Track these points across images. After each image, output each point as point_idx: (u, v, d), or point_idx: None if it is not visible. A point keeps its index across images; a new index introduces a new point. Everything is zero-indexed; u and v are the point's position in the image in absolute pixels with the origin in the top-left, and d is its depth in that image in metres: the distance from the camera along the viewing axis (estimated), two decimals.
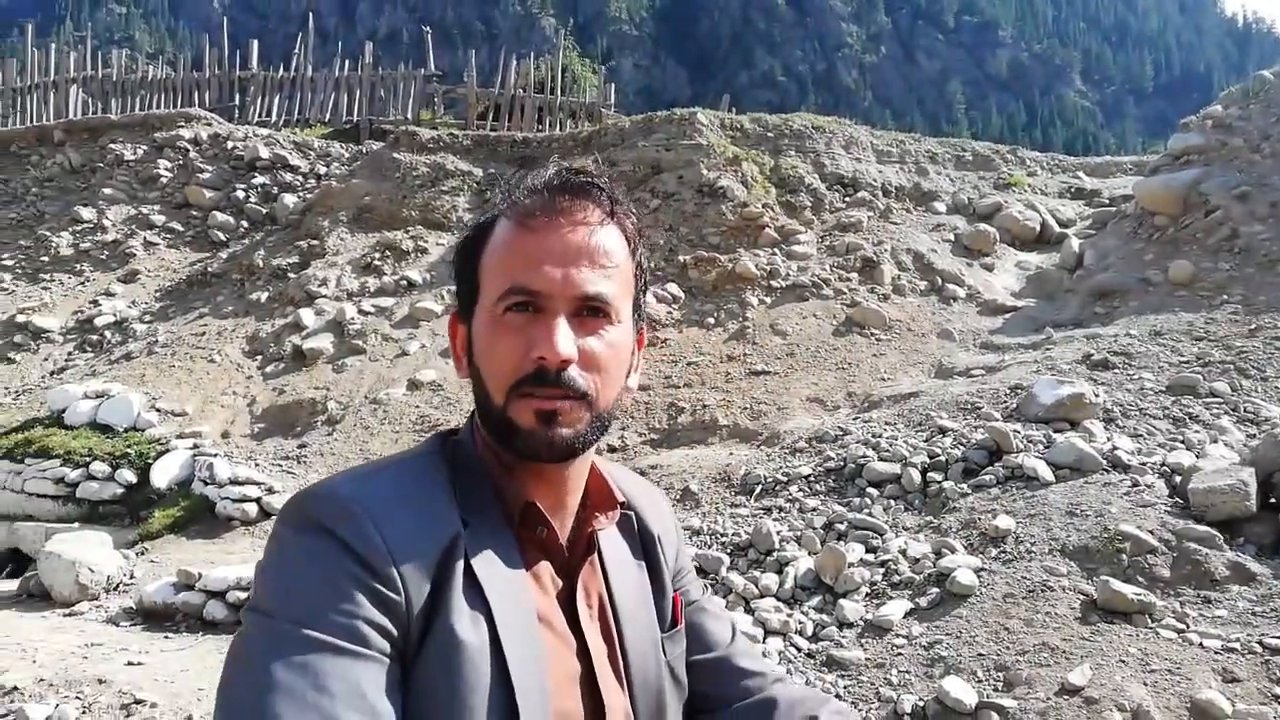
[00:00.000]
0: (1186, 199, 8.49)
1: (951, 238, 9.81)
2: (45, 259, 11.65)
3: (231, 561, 5.81)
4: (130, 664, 4.10)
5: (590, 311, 0.97)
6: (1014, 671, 3.58)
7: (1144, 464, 5.00)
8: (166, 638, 4.67)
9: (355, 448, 7.53)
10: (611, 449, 6.99)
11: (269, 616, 0.85)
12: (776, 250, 9.38)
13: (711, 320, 8.62)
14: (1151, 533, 4.29)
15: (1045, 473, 4.95)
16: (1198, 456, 5.02)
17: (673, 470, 6.31)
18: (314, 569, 0.87)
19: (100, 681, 3.84)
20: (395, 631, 0.87)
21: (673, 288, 9.02)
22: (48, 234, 11.98)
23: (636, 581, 1.12)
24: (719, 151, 10.36)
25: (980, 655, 3.71)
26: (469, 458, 1.01)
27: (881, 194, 10.36)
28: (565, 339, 0.94)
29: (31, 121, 14.96)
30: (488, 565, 0.94)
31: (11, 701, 3.71)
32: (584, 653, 1.00)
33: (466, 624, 0.90)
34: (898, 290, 8.84)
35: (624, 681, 1.04)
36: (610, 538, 1.10)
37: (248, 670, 0.83)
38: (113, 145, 13.19)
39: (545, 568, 1.01)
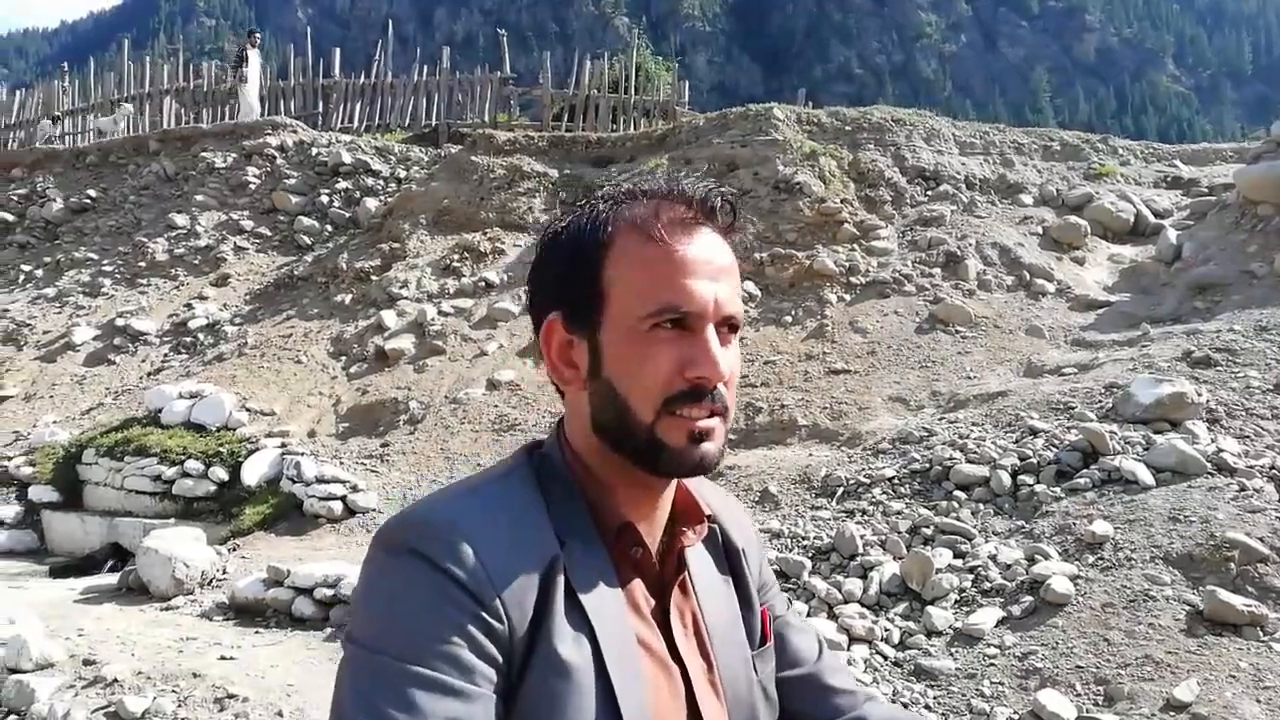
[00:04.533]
0: None
1: (1039, 231, 9.48)
2: (142, 264, 12.15)
3: (319, 558, 5.95)
4: (223, 658, 4.22)
5: (728, 328, 0.97)
6: (1115, 685, 3.42)
7: (1251, 467, 4.74)
8: (257, 633, 4.80)
9: (436, 446, 7.64)
10: None
11: (370, 650, 0.84)
12: (856, 246, 9.19)
13: (789, 318, 8.50)
14: (1262, 540, 4.05)
15: (1145, 476, 4.72)
16: None
17: (751, 471, 6.23)
18: (414, 599, 0.86)
19: (195, 675, 3.95)
20: (500, 659, 0.86)
21: (749, 286, 8.91)
22: (145, 240, 12.49)
23: (725, 598, 1.09)
24: (795, 147, 10.21)
25: (1078, 667, 3.55)
26: (559, 474, 0.99)
27: (965, 187, 10.07)
28: (724, 358, 0.94)
29: (128, 132, 15.59)
30: (587, 586, 0.92)
31: (112, 693, 3.85)
32: (682, 673, 0.98)
33: (570, 646, 0.88)
34: (983, 286, 8.57)
35: (721, 702, 1.02)
36: (696, 553, 1.08)
37: (353, 710, 0.83)
38: (204, 154, 13.67)
39: (638, 586, 0.99)
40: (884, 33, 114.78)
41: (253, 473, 7.45)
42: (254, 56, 15.01)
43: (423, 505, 0.95)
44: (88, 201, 13.65)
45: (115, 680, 3.92)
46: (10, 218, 13.70)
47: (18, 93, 18.78)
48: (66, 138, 15.83)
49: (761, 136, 10.41)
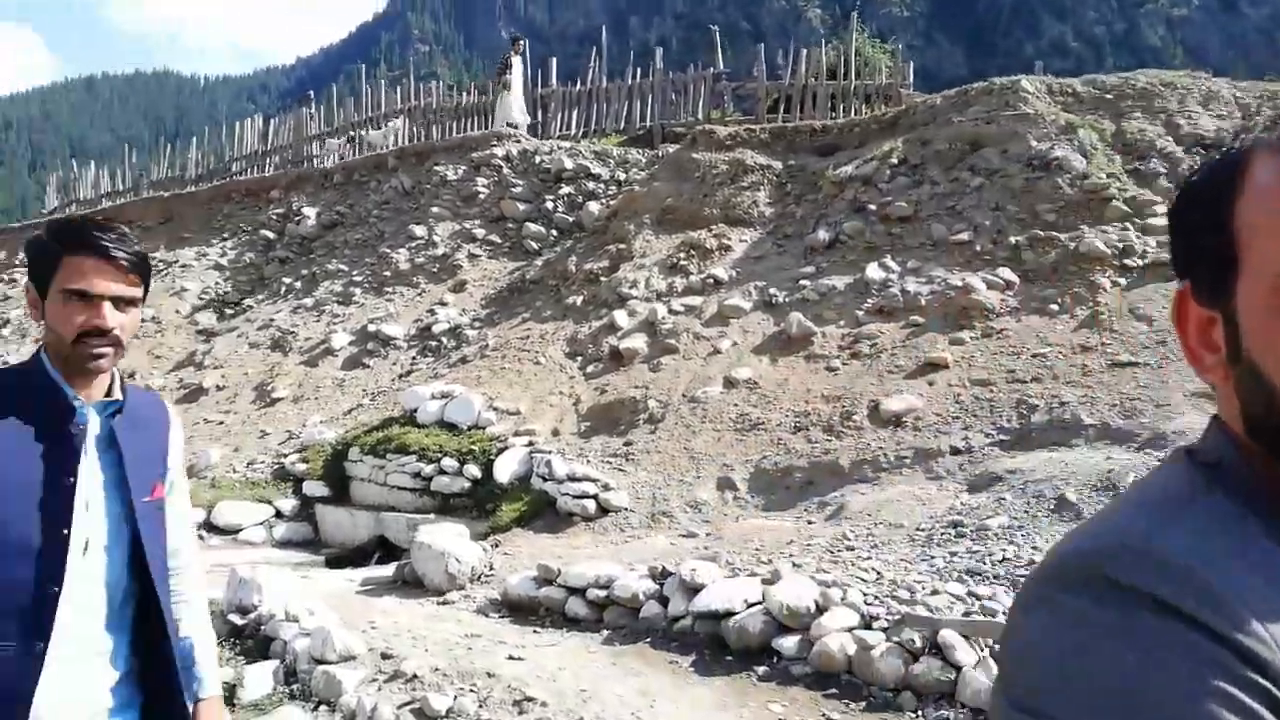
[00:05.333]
0: None
1: None
2: (387, 274, 12.90)
3: (578, 557, 5.93)
4: (511, 658, 4.21)
5: None
6: None
7: None
8: (535, 632, 4.79)
9: (679, 446, 7.51)
10: (955, 451, 6.42)
11: None
12: (1128, 225, 8.27)
13: (1055, 306, 7.75)
14: None
15: None
16: None
17: (1037, 476, 5.65)
18: (1157, 664, 0.58)
19: (489, 675, 3.94)
20: None
21: (1005, 272, 8.23)
22: (388, 251, 13.27)
23: None
24: (1049, 120, 9.36)
25: None
26: (1259, 490, 0.69)
27: None
28: None
29: (399, 144, 16.57)
30: None
31: (414, 689, 3.90)
32: None
33: None
34: None
35: None
36: None
37: None
38: (437, 167, 14.38)
39: None
40: (1102, 1, 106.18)
41: (504, 470, 7.61)
42: (517, 63, 15.36)
43: (1115, 529, 0.67)
44: (337, 217, 14.70)
45: (415, 676, 3.98)
46: (272, 235, 15.00)
47: (271, 121, 20.62)
48: (332, 155, 17.00)
49: (1008, 111, 9.62)
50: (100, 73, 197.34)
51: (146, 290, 1.71)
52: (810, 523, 6.03)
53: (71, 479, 1.61)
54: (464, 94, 17.96)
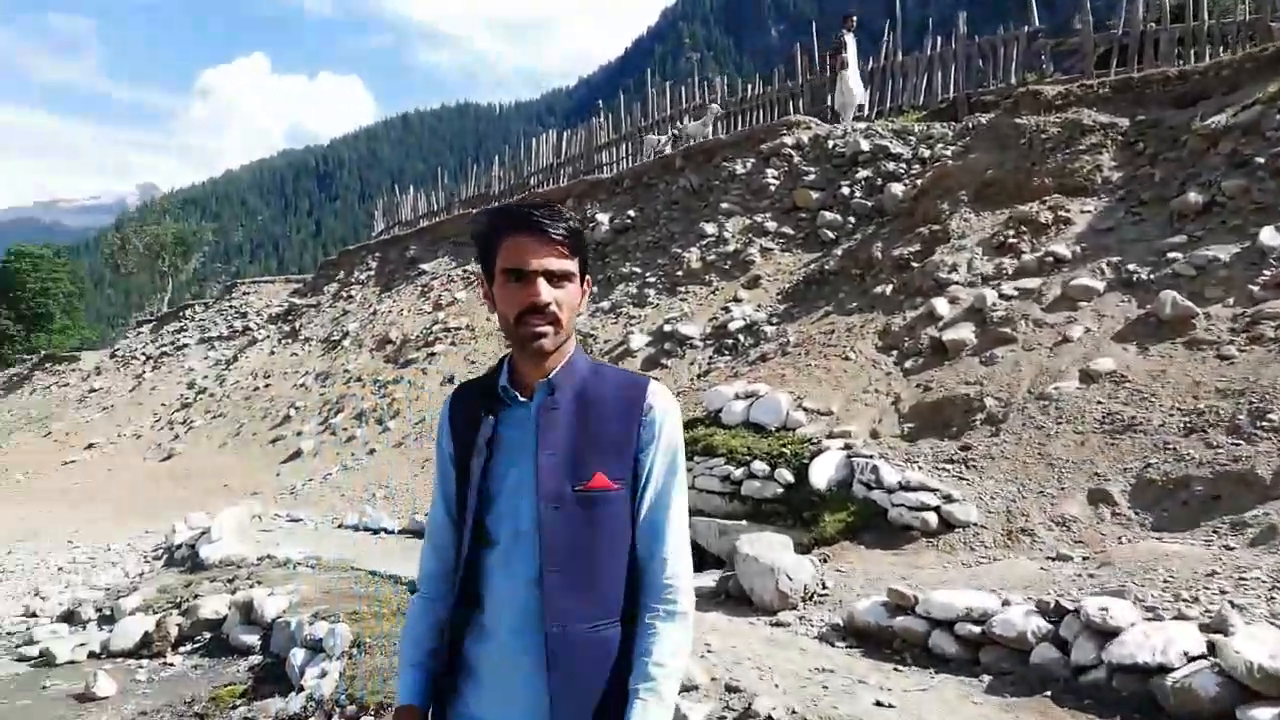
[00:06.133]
0: None
1: None
2: (679, 273, 12.70)
3: (926, 580, 5.14)
4: (879, 704, 3.54)
5: None
6: None
7: None
8: (896, 670, 4.07)
9: (1032, 451, 6.44)
10: None
11: None
12: None
13: None
14: None
15: None
16: None
17: None
18: None
19: None
20: None
21: None
22: (679, 251, 13.09)
23: None
24: None
25: None
26: None
27: None
28: None
29: (716, 134, 16.48)
30: None
31: None
32: None
33: None
34: None
35: None
36: None
37: None
38: (724, 163, 14.03)
39: None
40: None
41: (820, 475, 6.94)
42: (850, 41, 14.47)
43: None
44: (628, 221, 14.79)
45: (769, 718, 3.42)
46: None
47: (564, 135, 21.41)
48: (653, 149, 17.13)
49: None
50: (413, 110, 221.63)
51: (584, 266, 1.64)
52: (1229, 548, 4.80)
53: (477, 460, 1.61)
54: (748, 88, 17.51)
